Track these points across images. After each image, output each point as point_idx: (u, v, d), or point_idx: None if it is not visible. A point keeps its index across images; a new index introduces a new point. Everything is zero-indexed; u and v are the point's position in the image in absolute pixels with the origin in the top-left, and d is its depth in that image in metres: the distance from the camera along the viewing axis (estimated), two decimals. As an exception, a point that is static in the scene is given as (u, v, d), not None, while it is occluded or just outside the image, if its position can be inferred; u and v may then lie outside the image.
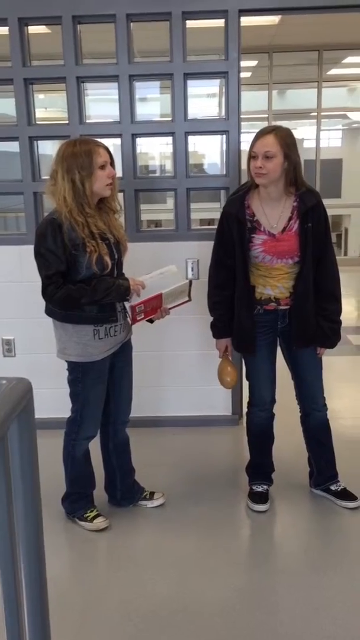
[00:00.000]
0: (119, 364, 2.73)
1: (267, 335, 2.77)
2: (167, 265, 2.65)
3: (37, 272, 2.52)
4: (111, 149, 2.57)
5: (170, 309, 2.64)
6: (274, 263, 2.64)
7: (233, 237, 2.64)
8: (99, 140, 2.54)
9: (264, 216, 2.62)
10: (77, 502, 2.82)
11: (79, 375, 2.62)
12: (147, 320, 2.64)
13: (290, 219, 2.61)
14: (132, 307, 2.51)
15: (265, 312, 2.73)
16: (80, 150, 2.42)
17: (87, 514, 2.79)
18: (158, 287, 2.59)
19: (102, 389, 2.69)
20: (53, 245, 2.41)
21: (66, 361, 2.64)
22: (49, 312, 2.60)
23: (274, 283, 2.68)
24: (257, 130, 2.58)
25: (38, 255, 2.47)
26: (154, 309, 2.58)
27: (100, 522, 2.77)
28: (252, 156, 2.53)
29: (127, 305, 2.55)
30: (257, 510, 2.87)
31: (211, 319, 2.85)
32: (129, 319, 2.61)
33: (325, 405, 2.88)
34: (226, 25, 3.38)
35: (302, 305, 2.68)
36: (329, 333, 2.72)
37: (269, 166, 2.49)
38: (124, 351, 2.74)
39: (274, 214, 2.62)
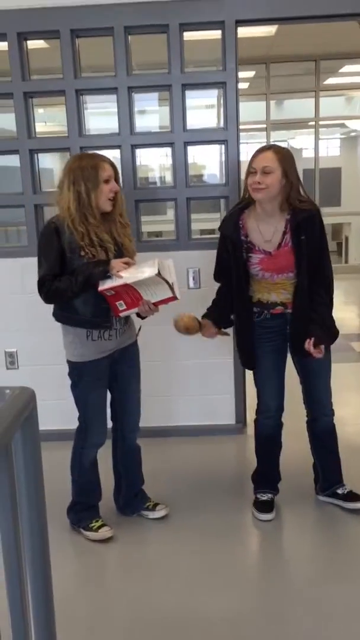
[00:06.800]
0: (122, 370, 2.75)
1: (274, 342, 2.75)
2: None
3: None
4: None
5: (155, 304, 2.53)
6: (275, 278, 2.66)
7: (230, 257, 2.68)
8: (104, 155, 2.59)
9: (258, 234, 2.64)
10: (82, 512, 2.82)
11: (76, 378, 2.69)
12: (137, 315, 2.64)
13: (284, 233, 2.62)
14: (102, 292, 2.46)
15: (273, 316, 2.72)
16: (87, 164, 2.50)
17: (92, 524, 2.78)
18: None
19: (101, 393, 2.73)
20: (48, 248, 2.54)
21: (67, 362, 2.70)
22: (53, 312, 2.68)
23: (279, 290, 2.69)
24: (256, 141, 2.61)
25: (38, 256, 2.59)
26: (134, 299, 2.49)
27: (105, 532, 2.76)
28: (250, 172, 2.56)
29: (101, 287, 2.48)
30: (262, 520, 2.85)
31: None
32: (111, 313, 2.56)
33: (332, 410, 2.87)
34: (223, 36, 3.41)
35: (299, 316, 2.67)
36: (319, 331, 2.60)
37: (267, 181, 2.52)
38: (127, 357, 2.75)
39: (268, 230, 2.63)
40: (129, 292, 2.47)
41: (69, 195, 2.49)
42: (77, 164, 2.52)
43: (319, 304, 2.67)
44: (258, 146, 2.67)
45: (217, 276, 2.86)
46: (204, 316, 2.81)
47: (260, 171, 2.52)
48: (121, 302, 2.50)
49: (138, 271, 2.48)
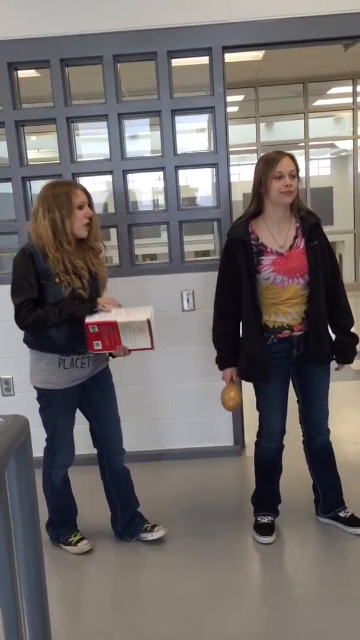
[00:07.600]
0: (95, 396, 2.75)
1: (280, 367, 2.73)
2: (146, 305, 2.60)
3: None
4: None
5: (130, 350, 2.57)
6: (286, 284, 2.62)
7: (239, 263, 2.64)
8: (79, 182, 2.62)
9: (271, 238, 2.64)
10: (60, 528, 2.87)
11: (45, 404, 2.69)
12: (109, 354, 2.67)
13: (295, 237, 2.65)
14: (85, 326, 2.47)
15: (280, 341, 2.69)
16: (60, 192, 2.54)
17: (71, 538, 2.84)
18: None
19: (69, 419, 2.74)
20: (25, 273, 2.53)
21: (34, 388, 2.70)
22: (24, 339, 2.67)
23: (286, 309, 2.66)
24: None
25: (13, 283, 2.58)
26: (113, 342, 2.51)
27: (84, 545, 2.82)
28: (276, 177, 2.57)
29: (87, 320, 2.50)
30: (263, 543, 2.83)
31: (214, 350, 2.83)
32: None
33: (328, 429, 2.86)
34: (210, 62, 3.46)
35: (316, 326, 2.67)
36: (349, 347, 2.73)
37: (294, 184, 2.60)
38: (99, 383, 2.75)
39: (282, 234, 2.66)
40: (111, 334, 2.49)
41: (45, 223, 2.51)
42: (50, 192, 2.55)
43: (339, 311, 2.73)
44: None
45: (223, 294, 2.74)
46: (227, 365, 2.79)
47: (288, 175, 2.57)
48: (99, 342, 2.50)
49: (129, 314, 2.51)
